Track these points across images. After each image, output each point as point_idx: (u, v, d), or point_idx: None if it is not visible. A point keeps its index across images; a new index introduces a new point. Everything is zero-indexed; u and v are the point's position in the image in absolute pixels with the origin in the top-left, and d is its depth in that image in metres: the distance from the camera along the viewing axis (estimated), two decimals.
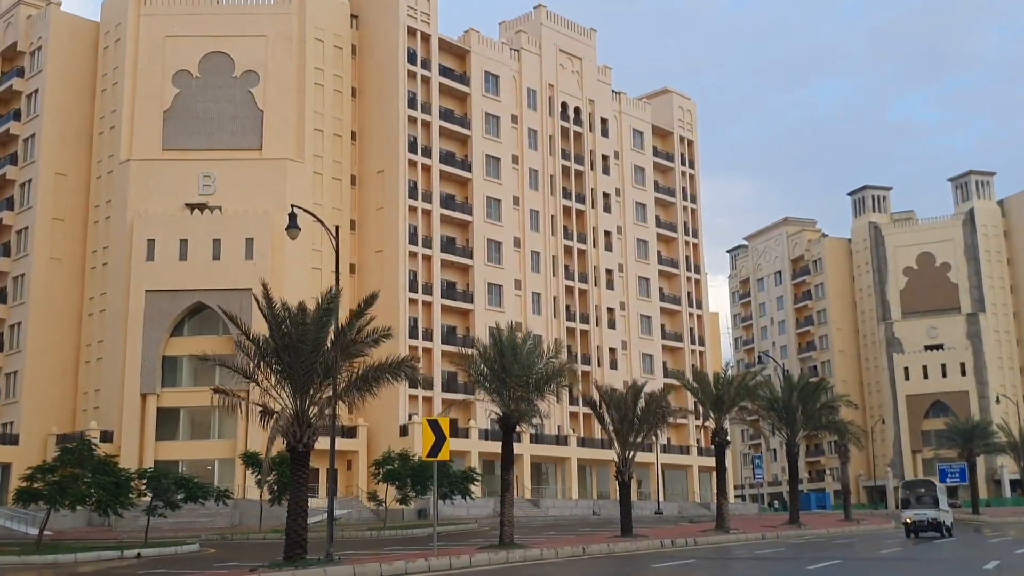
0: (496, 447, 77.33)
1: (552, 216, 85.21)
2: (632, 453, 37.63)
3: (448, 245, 77.86)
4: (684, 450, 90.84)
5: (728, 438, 42.30)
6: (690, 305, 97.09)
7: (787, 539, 39.91)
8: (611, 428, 37.14)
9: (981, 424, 63.64)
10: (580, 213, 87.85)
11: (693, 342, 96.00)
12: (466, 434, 74.29)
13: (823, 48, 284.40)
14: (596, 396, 37.59)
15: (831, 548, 33.15)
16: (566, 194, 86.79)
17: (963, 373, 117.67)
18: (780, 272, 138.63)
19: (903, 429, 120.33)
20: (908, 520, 39.96)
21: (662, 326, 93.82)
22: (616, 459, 37.80)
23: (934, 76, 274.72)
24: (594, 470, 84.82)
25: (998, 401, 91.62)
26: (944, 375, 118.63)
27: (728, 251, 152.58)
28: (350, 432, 71.38)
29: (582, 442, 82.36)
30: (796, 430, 46.94)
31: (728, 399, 40.67)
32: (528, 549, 27.79)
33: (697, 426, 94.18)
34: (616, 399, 36.70)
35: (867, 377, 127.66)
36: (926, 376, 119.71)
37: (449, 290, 77.51)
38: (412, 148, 76.03)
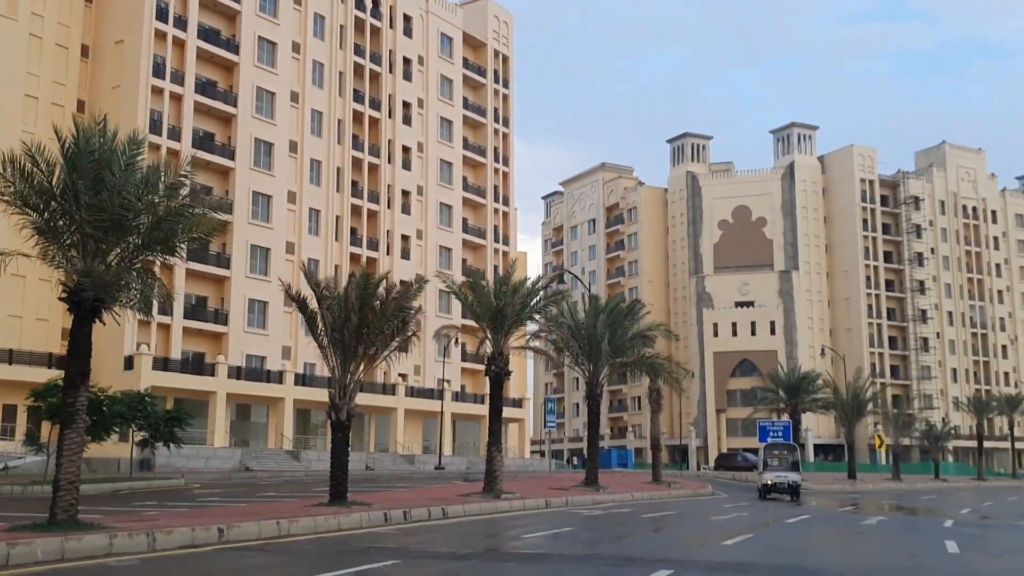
0: (253, 388, 63.16)
1: (340, 120, 70.76)
2: (354, 377, 24.39)
3: (204, 141, 62.20)
4: (479, 399, 78.55)
5: (509, 368, 29.32)
6: (496, 240, 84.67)
7: (579, 508, 27.94)
8: (323, 337, 23.42)
9: (809, 376, 54.02)
10: (374, 121, 73.74)
11: None
12: (212, 371, 59.61)
13: (652, 20, 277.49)
14: (301, 286, 23.92)
15: (641, 531, 21.05)
16: (358, 97, 72.47)
17: (772, 332, 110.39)
18: (594, 220, 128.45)
19: (709, 387, 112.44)
20: (768, 482, 37.77)
21: (464, 260, 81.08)
22: (332, 390, 24.24)
23: (755, 56, 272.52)
24: (373, 418, 71.68)
25: (823, 354, 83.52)
26: (753, 333, 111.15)
27: (543, 197, 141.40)
28: (60, 362, 55.47)
29: (361, 386, 68.78)
30: (601, 364, 34.92)
31: (511, 313, 28.08)
32: (89, 535, 14.04)
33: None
34: (337, 297, 23.08)
35: (676, 332, 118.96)
36: (735, 334, 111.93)
37: (203, 194, 62.05)
38: (162, 16, 59.83)
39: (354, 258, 70.80)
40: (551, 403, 43.78)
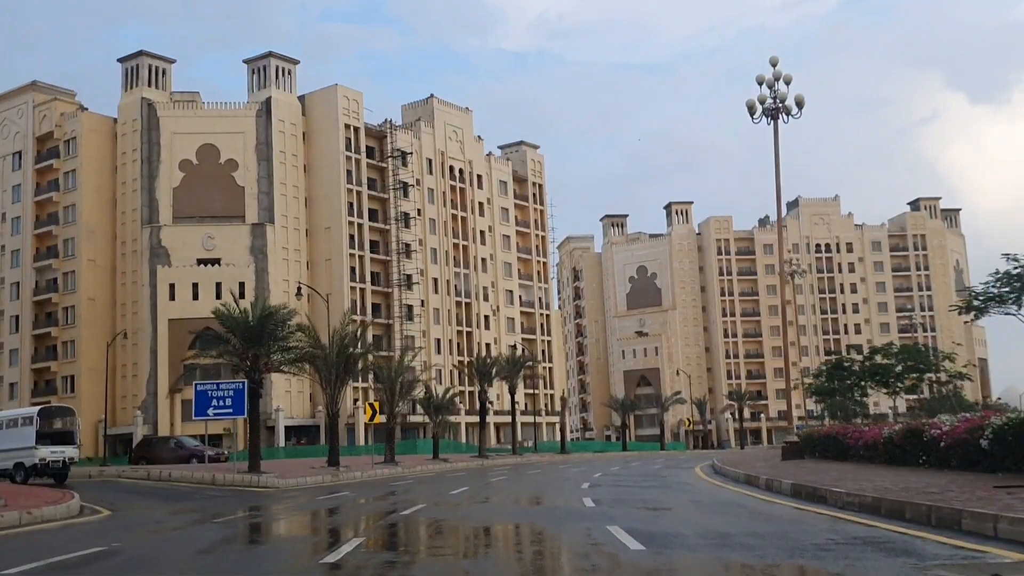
0: None
1: None
2: None
3: None
4: None
5: None
6: None
7: None
8: None
9: (277, 314, 34.31)
10: None
11: None
12: None
13: None
14: None
15: None
16: None
17: (242, 295, 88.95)
18: (20, 152, 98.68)
19: (162, 362, 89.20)
20: (43, 460, 28.77)
21: None
22: None
23: (233, 43, 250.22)
24: None
25: (299, 294, 64.81)
26: (219, 296, 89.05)
27: None
28: None
29: None
30: None
31: None
32: None
33: None
34: None
35: (123, 295, 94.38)
36: (196, 297, 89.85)
37: None
38: None
39: None
40: None
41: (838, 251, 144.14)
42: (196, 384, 34.73)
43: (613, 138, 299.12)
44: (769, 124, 32.22)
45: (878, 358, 50.18)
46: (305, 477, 33.75)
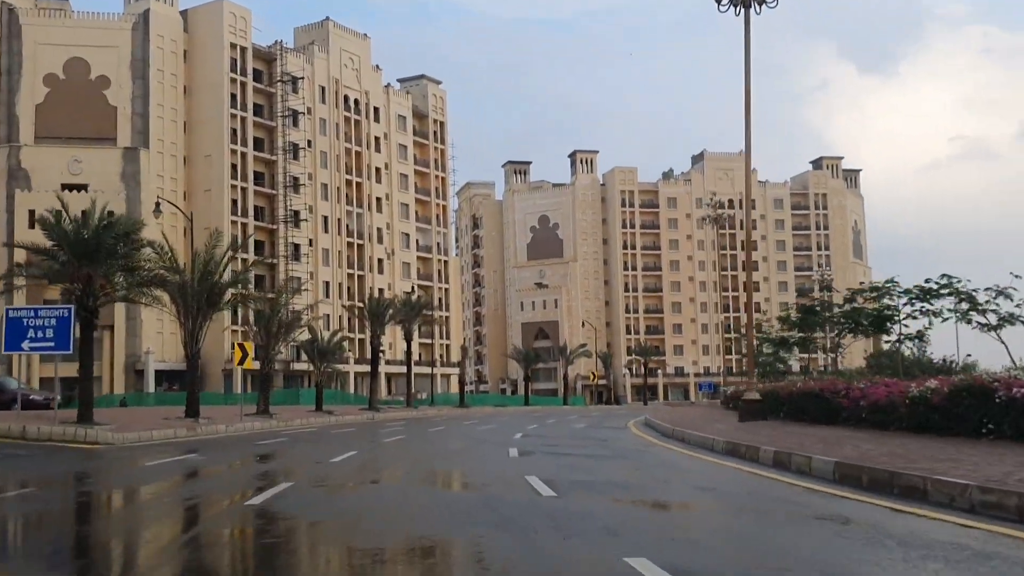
0: None
1: None
2: None
3: None
4: None
5: None
6: None
7: None
8: None
9: (119, 225, 26.96)
10: None
11: None
12: None
13: None
14: None
15: None
16: None
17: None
18: None
19: (19, 296, 79.44)
20: None
21: None
22: None
23: None
24: None
25: (157, 210, 56.43)
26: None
27: None
28: None
29: None
30: None
31: None
32: None
33: None
34: None
35: None
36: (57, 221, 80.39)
37: None
38: None
39: None
40: None
41: (741, 207, 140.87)
42: (7, 310, 27.32)
43: (515, 93, 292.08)
44: (738, 15, 26.32)
45: (859, 300, 45.09)
46: (152, 431, 26.86)
